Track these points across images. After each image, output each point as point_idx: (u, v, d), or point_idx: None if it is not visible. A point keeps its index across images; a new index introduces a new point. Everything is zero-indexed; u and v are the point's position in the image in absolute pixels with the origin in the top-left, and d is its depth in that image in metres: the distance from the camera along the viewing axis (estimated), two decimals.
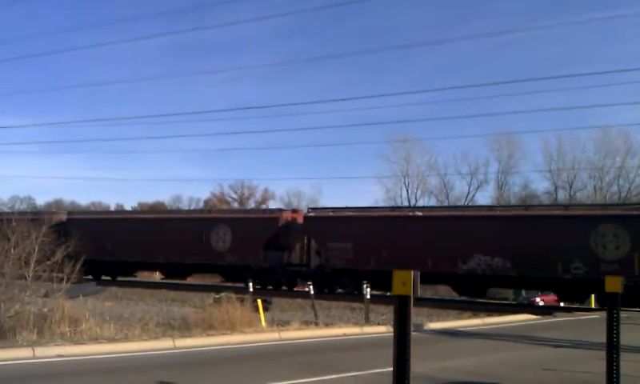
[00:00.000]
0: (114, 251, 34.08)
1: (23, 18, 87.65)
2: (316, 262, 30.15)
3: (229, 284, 30.34)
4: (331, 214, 30.99)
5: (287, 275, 30.65)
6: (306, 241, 31.24)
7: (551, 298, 31.68)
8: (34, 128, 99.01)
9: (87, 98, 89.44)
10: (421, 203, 55.56)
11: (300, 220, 31.50)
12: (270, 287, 30.08)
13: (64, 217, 37.67)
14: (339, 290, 28.90)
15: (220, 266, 32.27)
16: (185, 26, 75.92)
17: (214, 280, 36.13)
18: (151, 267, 36.25)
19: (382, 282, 27.19)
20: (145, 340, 11.96)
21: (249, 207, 61.34)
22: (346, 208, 31.72)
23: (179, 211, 47.59)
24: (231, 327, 13.63)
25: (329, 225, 29.55)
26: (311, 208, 34.47)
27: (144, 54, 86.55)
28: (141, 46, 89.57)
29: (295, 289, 30.15)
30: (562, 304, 27.63)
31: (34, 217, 40.65)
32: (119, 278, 35.19)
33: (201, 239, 31.92)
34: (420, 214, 29.18)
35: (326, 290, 26.95)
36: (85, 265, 32.75)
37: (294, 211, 34.13)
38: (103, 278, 34.16)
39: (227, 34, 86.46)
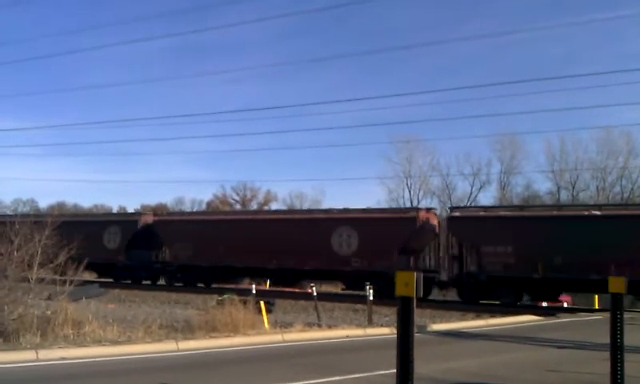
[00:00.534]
0: (213, 256, 30.69)
1: (25, 20, 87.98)
2: (454, 269, 26.70)
3: (349, 291, 28.41)
4: (483, 213, 27.61)
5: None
6: (443, 243, 27.74)
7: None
8: (36, 130, 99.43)
9: (90, 101, 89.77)
10: (423, 203, 55.45)
11: (433, 220, 28.37)
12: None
13: (150, 218, 35.36)
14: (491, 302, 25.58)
15: (343, 273, 28.55)
16: (187, 28, 76.22)
17: (335, 287, 32.35)
18: (260, 273, 31.53)
19: (549, 291, 25.35)
20: (148, 342, 11.97)
21: (251, 209, 61.35)
22: (498, 207, 29.33)
23: (295, 211, 43.51)
24: (234, 329, 13.63)
25: (482, 225, 25.72)
26: (455, 207, 31.42)
27: (146, 56, 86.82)
28: (143, 47, 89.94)
29: (430, 298, 26.65)
30: (565, 305, 27.54)
31: (101, 218, 39.49)
32: (214, 285, 32.04)
33: (321, 242, 28.21)
34: (598, 213, 25.00)
35: (472, 302, 24.80)
36: (176, 271, 32.24)
37: (428, 210, 30.27)
38: (199, 285, 32.04)
39: (229, 35, 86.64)
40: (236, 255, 29.75)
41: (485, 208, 29.30)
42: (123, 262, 34.24)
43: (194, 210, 66.87)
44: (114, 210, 66.40)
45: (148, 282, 33.78)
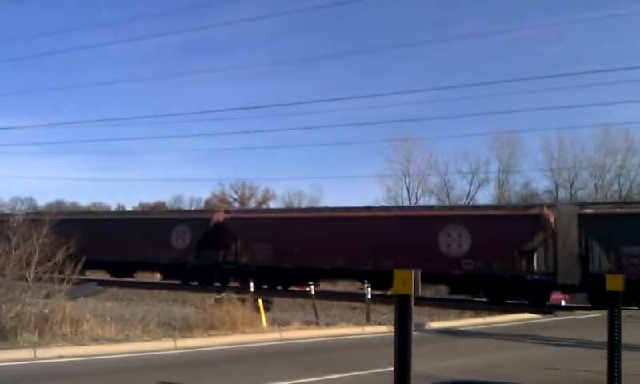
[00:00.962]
0: (296, 257, 28.56)
1: (23, 18, 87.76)
2: (578, 270, 24.01)
3: (462, 297, 26.47)
4: (619, 210, 25.37)
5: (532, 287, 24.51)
6: (564, 241, 24.47)
7: (553, 297, 31.54)
8: (34, 129, 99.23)
9: (88, 99, 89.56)
10: (421, 202, 55.50)
11: (551, 217, 25.35)
12: (526, 301, 24.51)
13: (221, 216, 33.24)
14: None
15: (452, 276, 26.36)
16: (184, 26, 75.93)
17: (440, 291, 29.78)
18: (350, 275, 29.37)
19: None
20: (146, 341, 11.97)
21: (249, 207, 61.31)
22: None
23: (394, 208, 38.43)
24: (232, 327, 13.63)
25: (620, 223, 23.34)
26: (582, 203, 29.01)
27: (144, 54, 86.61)
28: (140, 46, 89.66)
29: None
30: (563, 303, 27.56)
31: (169, 216, 36.63)
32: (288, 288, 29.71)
33: (425, 242, 25.87)
34: None
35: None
36: (254, 273, 28.97)
37: (549, 207, 27.56)
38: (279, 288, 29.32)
39: (227, 34, 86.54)
40: (324, 256, 27.60)
41: (619, 204, 27.03)
42: (193, 262, 31.89)
43: (192, 207, 66.77)
44: (113, 209, 66.37)
45: (217, 284, 31.01)
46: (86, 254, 33.36)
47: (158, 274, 36.24)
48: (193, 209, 49.41)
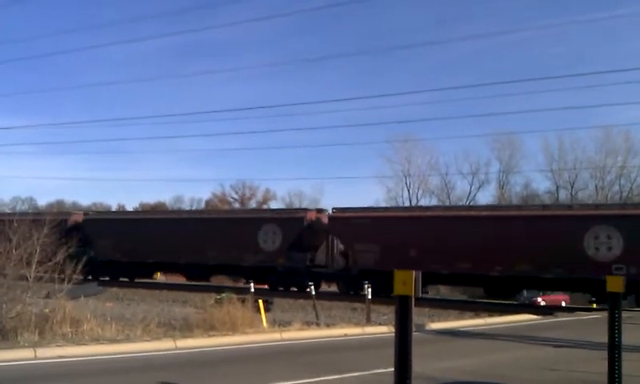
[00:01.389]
0: (404, 259, 26.19)
1: (23, 19, 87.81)
2: None
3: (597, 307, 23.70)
4: None
5: None
6: None
7: (553, 297, 31.58)
8: (35, 129, 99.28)
9: (88, 99, 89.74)
10: (422, 203, 55.43)
11: None
12: None
13: (313, 215, 30.84)
14: None
15: (598, 282, 24.04)
16: (184, 27, 76.00)
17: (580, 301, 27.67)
18: (474, 282, 27.20)
19: None
20: (146, 341, 11.97)
21: (250, 207, 61.23)
22: None
23: (527, 207, 33.22)
24: (233, 328, 13.63)
25: None
26: None
27: (144, 55, 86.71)
28: (140, 46, 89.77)
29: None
30: (563, 304, 27.59)
31: (256, 215, 34.15)
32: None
33: (568, 244, 23.50)
34: None
35: None
36: (355, 277, 27.47)
37: None
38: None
39: (227, 35, 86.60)
40: (444, 260, 25.54)
41: None
42: (284, 265, 29.56)
43: (193, 207, 66.67)
44: (113, 209, 66.28)
45: (294, 289, 28.79)
46: (158, 256, 32.69)
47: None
48: (285, 208, 43.76)
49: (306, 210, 32.42)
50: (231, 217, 34.61)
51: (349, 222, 28.54)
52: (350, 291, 27.53)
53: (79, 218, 35.99)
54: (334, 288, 31.07)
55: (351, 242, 28.32)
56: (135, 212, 54.19)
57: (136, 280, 33.43)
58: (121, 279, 33.53)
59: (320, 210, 31.74)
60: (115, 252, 33.48)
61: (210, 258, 30.96)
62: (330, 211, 30.46)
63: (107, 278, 33.03)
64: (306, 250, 29.91)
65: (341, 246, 29.58)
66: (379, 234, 27.08)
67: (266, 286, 29.08)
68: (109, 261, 33.34)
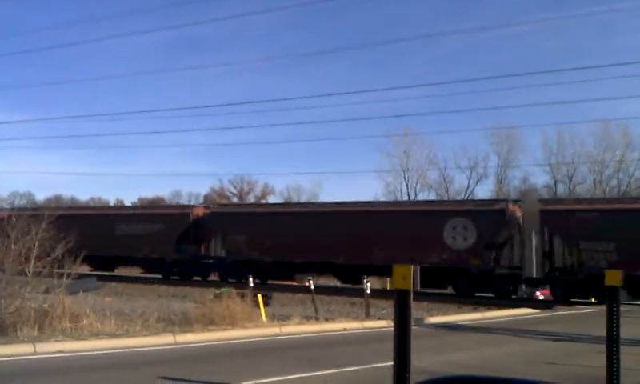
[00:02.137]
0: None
1: (21, 13, 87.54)
2: None
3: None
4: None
5: None
6: None
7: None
8: (32, 123, 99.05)
9: (86, 93, 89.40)
10: (420, 197, 55.45)
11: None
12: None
13: (201, 211, 31.90)
14: None
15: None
16: (183, 21, 75.83)
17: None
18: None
19: None
20: (145, 335, 11.99)
21: (248, 202, 61.22)
22: None
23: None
24: (232, 322, 13.65)
25: None
26: None
27: (142, 49, 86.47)
28: (139, 40, 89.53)
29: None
30: (541, 297, 27.54)
31: (440, 208, 29.25)
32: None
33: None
34: None
35: None
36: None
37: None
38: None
39: (225, 29, 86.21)
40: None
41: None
42: (478, 267, 25.40)
43: (191, 202, 66.53)
44: (111, 203, 66.10)
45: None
46: (297, 255, 28.44)
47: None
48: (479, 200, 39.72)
49: (503, 200, 29.93)
50: (419, 209, 30.11)
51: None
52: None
53: (200, 211, 32.62)
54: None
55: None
56: (274, 204, 47.28)
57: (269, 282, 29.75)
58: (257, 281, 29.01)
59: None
60: (251, 250, 29.57)
61: (377, 259, 26.15)
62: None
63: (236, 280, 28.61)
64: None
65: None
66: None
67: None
68: (245, 261, 29.35)
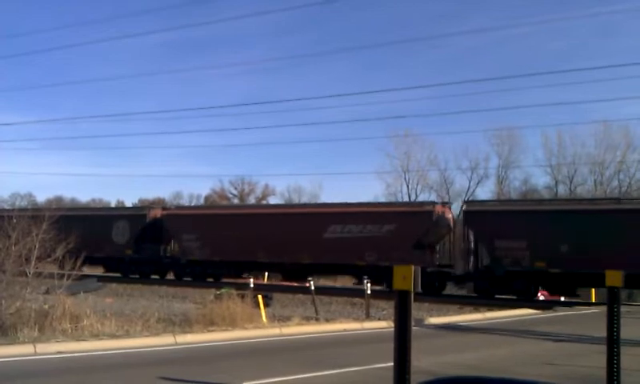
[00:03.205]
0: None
1: (21, 15, 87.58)
2: None
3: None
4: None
5: None
6: None
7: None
8: (33, 125, 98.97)
9: (87, 95, 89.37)
10: (421, 198, 55.44)
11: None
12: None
13: (158, 213, 33.31)
14: None
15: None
16: (184, 22, 75.80)
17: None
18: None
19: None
20: (146, 336, 11.98)
21: (249, 203, 61.17)
22: None
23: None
24: (232, 323, 13.65)
25: None
26: None
27: (144, 50, 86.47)
28: (141, 41, 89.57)
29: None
30: (562, 298, 27.59)
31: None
32: None
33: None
34: None
35: None
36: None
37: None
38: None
39: (227, 30, 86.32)
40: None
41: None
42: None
43: (192, 203, 66.56)
44: (113, 205, 65.99)
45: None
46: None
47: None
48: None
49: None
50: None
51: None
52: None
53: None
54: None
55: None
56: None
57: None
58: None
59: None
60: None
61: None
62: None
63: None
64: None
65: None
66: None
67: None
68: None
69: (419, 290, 23.50)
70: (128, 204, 64.26)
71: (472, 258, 26.19)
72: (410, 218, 26.48)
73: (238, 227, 29.63)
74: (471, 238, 26.38)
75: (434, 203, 28.25)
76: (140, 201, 66.65)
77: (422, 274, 25.40)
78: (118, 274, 32.57)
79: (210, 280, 30.64)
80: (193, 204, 63.69)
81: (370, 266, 25.85)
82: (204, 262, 30.61)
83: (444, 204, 28.84)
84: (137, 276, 32.06)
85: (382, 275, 24.91)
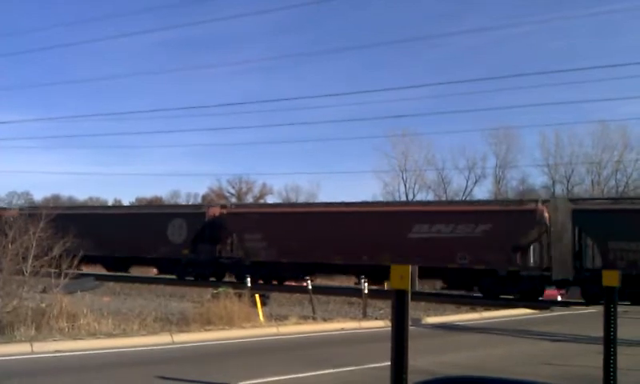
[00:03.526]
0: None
1: (21, 13, 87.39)
2: None
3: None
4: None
5: None
6: None
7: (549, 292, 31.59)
8: (31, 123, 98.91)
9: (85, 93, 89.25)
10: (418, 197, 55.47)
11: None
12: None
13: (217, 211, 31.62)
14: None
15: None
16: (183, 21, 75.74)
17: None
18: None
19: None
20: (143, 335, 11.97)
21: (246, 202, 61.12)
22: None
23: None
24: (229, 322, 13.64)
25: None
26: None
27: (143, 49, 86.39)
28: (139, 40, 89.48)
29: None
30: (559, 298, 27.63)
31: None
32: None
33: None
34: None
35: None
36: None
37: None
38: None
39: (225, 29, 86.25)
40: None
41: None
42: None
43: (190, 202, 66.42)
44: (109, 203, 65.83)
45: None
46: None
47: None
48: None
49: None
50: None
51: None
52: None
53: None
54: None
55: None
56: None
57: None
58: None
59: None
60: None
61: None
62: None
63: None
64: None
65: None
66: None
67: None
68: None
69: (416, 289, 23.37)
70: (125, 202, 64.35)
71: (579, 261, 24.24)
72: (509, 218, 24.56)
73: (309, 227, 27.65)
74: (583, 239, 24.41)
75: (535, 201, 26.75)
76: (137, 199, 66.72)
77: (518, 277, 24.38)
78: (174, 276, 30.72)
79: (275, 283, 28.58)
80: (252, 202, 61.52)
81: (462, 269, 24.78)
82: (270, 264, 28.52)
83: (543, 202, 26.62)
84: (192, 278, 30.23)
85: (475, 279, 24.24)
